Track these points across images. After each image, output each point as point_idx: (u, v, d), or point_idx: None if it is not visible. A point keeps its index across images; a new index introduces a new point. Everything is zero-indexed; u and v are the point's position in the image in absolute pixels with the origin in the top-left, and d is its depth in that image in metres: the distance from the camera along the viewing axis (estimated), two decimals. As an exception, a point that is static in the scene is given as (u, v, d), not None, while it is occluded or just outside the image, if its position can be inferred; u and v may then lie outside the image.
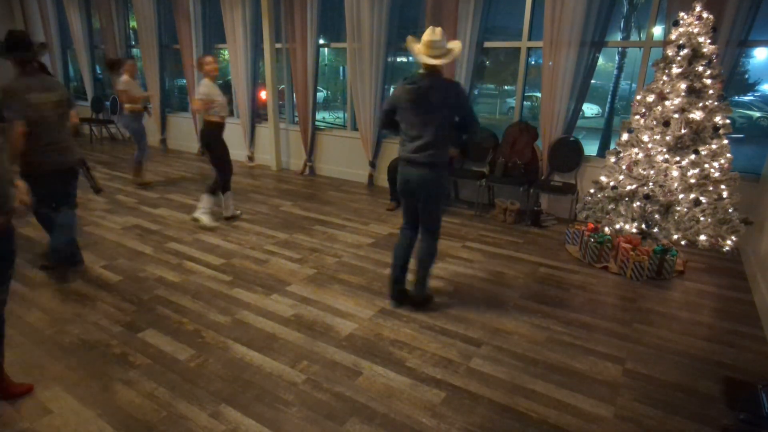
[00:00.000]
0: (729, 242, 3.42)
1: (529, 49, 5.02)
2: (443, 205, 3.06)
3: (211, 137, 4.34)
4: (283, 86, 6.92)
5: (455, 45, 2.77)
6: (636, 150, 3.70)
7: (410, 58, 8.45)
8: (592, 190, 3.96)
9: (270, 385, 2.37)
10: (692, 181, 3.46)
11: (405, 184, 2.91)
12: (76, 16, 8.53)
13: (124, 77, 5.51)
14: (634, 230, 3.67)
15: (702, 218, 3.42)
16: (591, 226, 4.01)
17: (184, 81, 7.78)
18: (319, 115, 7.60)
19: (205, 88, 4.16)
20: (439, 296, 3.30)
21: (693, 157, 3.45)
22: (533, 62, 5.60)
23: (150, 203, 5.23)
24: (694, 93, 3.43)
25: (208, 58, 4.26)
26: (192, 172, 6.76)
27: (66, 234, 3.33)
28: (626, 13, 7.51)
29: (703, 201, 3.43)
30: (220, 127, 4.33)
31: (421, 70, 2.76)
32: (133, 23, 8.21)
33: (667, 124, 3.49)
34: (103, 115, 8.86)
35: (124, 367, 2.48)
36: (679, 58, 3.49)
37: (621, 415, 2.22)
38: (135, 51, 8.55)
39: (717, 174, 3.43)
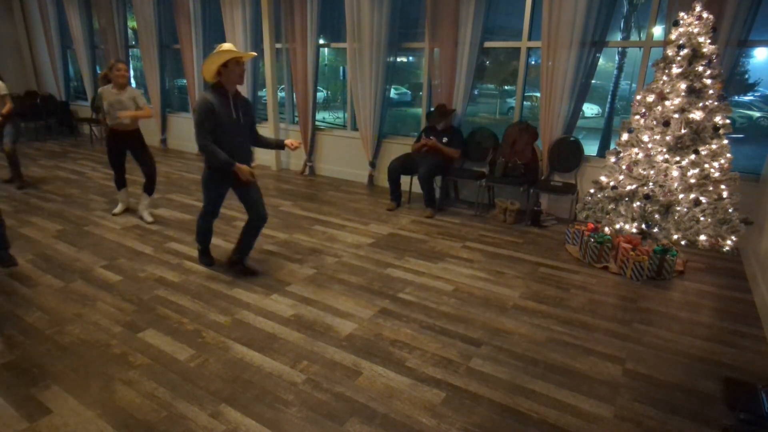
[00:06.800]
0: (729, 242, 3.42)
1: (529, 49, 5.02)
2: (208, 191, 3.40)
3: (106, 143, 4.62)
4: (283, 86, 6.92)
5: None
6: (636, 150, 3.70)
7: (410, 58, 8.45)
8: (592, 190, 3.96)
9: (270, 385, 2.37)
10: (692, 181, 3.46)
11: None
12: (76, 16, 8.53)
13: None
14: (634, 230, 3.67)
15: (702, 218, 3.42)
16: (591, 226, 4.01)
17: (185, 81, 7.78)
18: (319, 115, 7.60)
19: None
20: (439, 296, 3.31)
21: (693, 157, 3.45)
22: (533, 62, 5.60)
23: (150, 203, 5.22)
24: (694, 93, 3.43)
25: (122, 65, 4.32)
26: (193, 172, 6.75)
27: None
28: (626, 13, 7.51)
29: (703, 201, 3.43)
30: (111, 132, 4.54)
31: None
32: (133, 23, 8.20)
33: (667, 124, 3.49)
34: (102, 115, 8.84)
35: (124, 367, 2.48)
36: (679, 58, 3.49)
37: (621, 415, 2.22)
38: (135, 51, 8.55)
39: (717, 174, 3.43)
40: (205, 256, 3.73)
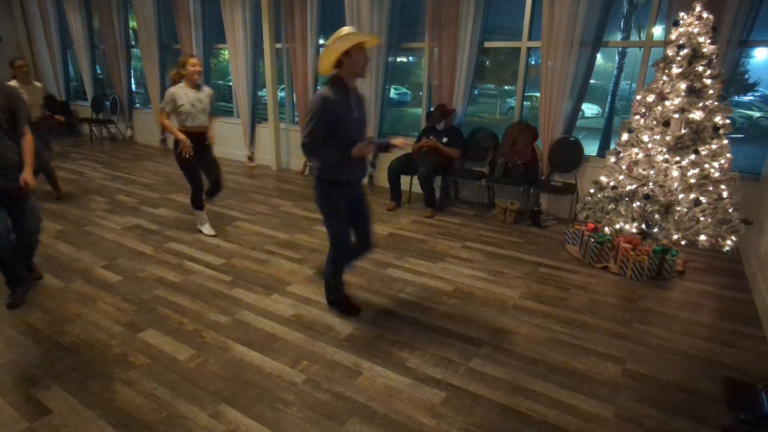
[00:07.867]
0: (729, 242, 3.42)
1: (529, 49, 5.02)
2: (328, 217, 2.81)
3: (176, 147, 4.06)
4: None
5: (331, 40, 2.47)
6: (636, 150, 3.70)
7: (410, 58, 8.44)
8: (592, 190, 3.96)
9: (270, 385, 2.37)
10: (692, 181, 3.46)
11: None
12: (76, 16, 8.53)
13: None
14: (634, 230, 3.67)
15: (702, 218, 3.42)
16: (591, 226, 4.01)
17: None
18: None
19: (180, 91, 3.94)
20: (439, 296, 3.31)
21: (693, 157, 3.45)
22: (533, 62, 5.60)
23: (150, 203, 5.23)
24: (694, 93, 3.43)
25: (195, 59, 3.92)
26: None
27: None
28: (626, 13, 7.51)
29: (703, 201, 3.43)
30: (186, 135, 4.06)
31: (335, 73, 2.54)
32: (133, 23, 8.20)
33: (667, 124, 3.49)
34: (103, 115, 8.87)
35: (124, 367, 2.48)
36: (679, 58, 3.49)
37: (621, 415, 2.22)
38: (135, 51, 8.56)
39: (717, 174, 3.43)
40: (347, 305, 3.04)
